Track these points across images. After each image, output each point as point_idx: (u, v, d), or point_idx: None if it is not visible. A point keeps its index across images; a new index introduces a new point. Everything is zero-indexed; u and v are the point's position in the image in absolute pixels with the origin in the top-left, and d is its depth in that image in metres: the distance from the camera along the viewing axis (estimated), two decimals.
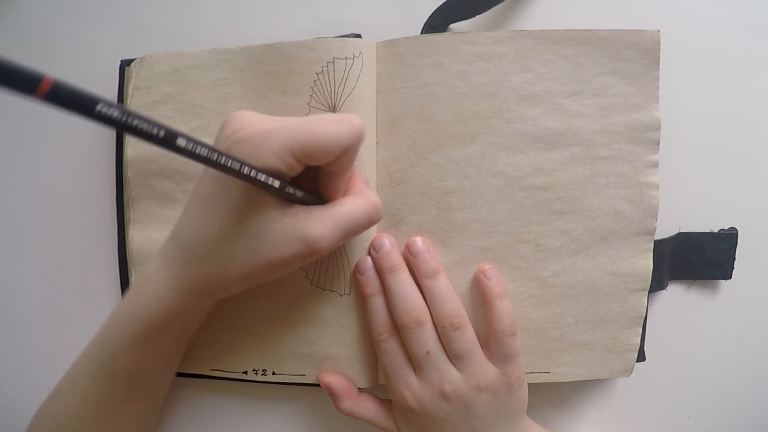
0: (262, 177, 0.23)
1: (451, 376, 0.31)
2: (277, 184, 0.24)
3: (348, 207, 0.27)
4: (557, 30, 0.32)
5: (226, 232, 0.26)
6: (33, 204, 0.39)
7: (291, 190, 0.25)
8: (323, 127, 0.24)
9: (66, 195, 0.39)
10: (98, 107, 0.16)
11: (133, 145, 0.35)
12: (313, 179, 0.28)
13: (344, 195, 0.29)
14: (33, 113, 0.39)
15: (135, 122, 0.17)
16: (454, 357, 0.31)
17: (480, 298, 0.33)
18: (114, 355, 0.30)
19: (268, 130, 0.24)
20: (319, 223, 0.26)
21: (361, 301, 0.33)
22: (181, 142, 0.19)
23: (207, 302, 0.29)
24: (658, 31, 0.32)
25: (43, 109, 0.38)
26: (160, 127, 0.18)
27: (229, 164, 0.21)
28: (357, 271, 0.33)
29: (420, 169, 0.33)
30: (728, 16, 0.35)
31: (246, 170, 0.22)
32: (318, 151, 0.24)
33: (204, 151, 0.20)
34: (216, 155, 0.21)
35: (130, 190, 0.36)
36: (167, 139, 0.18)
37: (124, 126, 0.17)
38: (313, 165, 0.26)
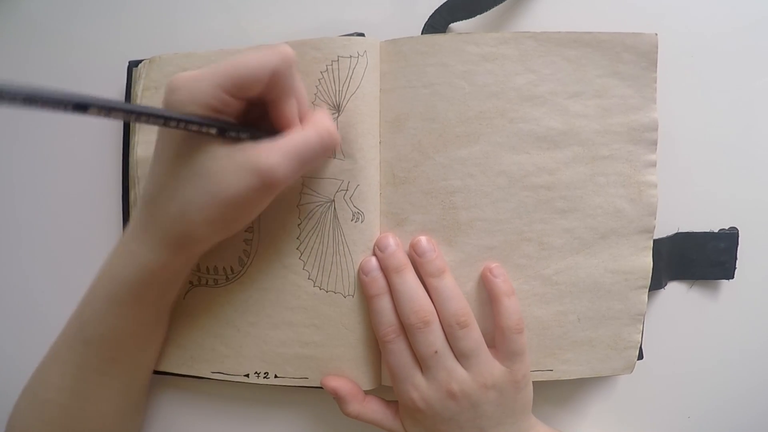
0: (196, 126, 0.25)
1: (459, 376, 0.31)
2: (214, 131, 0.25)
3: (298, 134, 0.27)
4: (559, 32, 0.32)
5: (179, 176, 0.27)
6: (39, 204, 0.39)
7: (233, 133, 0.26)
8: (246, 57, 0.25)
9: (72, 194, 0.39)
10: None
11: (143, 145, 0.35)
12: (266, 120, 0.28)
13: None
14: (37, 113, 0.38)
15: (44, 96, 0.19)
16: (461, 356, 0.31)
17: (485, 296, 0.33)
18: (91, 319, 0.30)
19: (196, 74, 0.26)
20: (270, 153, 0.26)
21: (366, 301, 0.33)
22: (92, 110, 0.20)
23: (179, 257, 0.29)
24: (656, 34, 0.32)
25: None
26: (70, 96, 0.20)
27: (157, 115, 0.23)
28: (361, 271, 0.32)
29: (424, 169, 0.33)
30: (728, 17, 0.36)
31: (181, 124, 0.24)
32: (245, 79, 0.25)
33: (125, 107, 0.22)
34: (144, 112, 0.22)
35: (138, 190, 0.35)
36: (80, 106, 0.20)
37: (35, 103, 0.18)
38: (248, 96, 0.26)
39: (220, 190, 0.26)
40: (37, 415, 0.32)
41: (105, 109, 0.21)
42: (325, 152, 0.28)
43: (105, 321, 0.30)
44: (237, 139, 0.26)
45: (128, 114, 0.23)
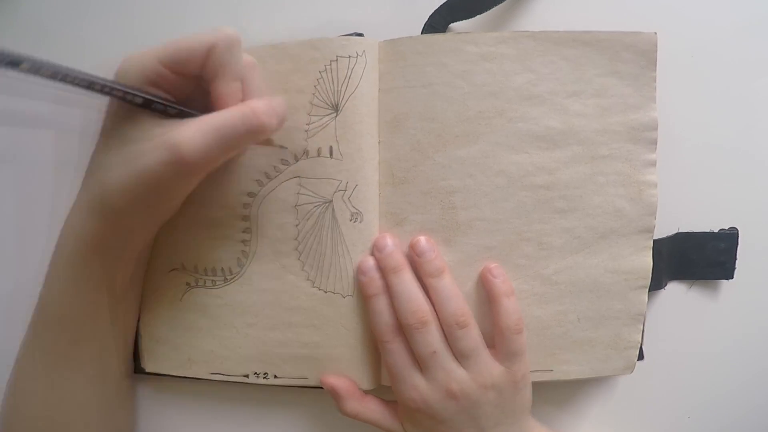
0: (119, 93, 0.26)
1: (458, 376, 0.31)
2: (140, 100, 0.26)
3: (220, 114, 0.26)
4: (558, 31, 0.32)
5: (108, 145, 0.28)
6: (35, 204, 0.39)
7: (159, 107, 0.27)
8: (188, 36, 0.26)
9: (65, 195, 0.38)
10: None
11: None
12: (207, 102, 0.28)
13: None
14: (34, 112, 0.38)
15: None
16: (460, 356, 0.31)
17: (484, 296, 0.33)
18: (48, 301, 0.31)
19: (145, 49, 0.27)
20: (187, 129, 0.25)
21: (364, 302, 0.33)
22: (23, 67, 0.21)
23: (107, 226, 0.29)
24: (655, 33, 0.32)
25: (45, 108, 0.38)
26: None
27: (82, 78, 0.24)
28: (359, 272, 0.32)
29: (423, 168, 0.33)
30: (728, 17, 0.36)
31: (105, 89, 0.25)
32: (182, 54, 0.26)
33: (55, 67, 0.23)
34: (70, 73, 0.23)
35: None
36: (13, 63, 0.21)
37: None
38: (186, 72, 0.27)
39: (135, 161, 0.26)
40: (21, 410, 0.32)
41: (35, 66, 0.22)
42: (249, 131, 0.26)
43: (60, 301, 0.30)
44: (165, 114, 0.27)
45: (56, 74, 0.23)
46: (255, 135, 0.26)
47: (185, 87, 0.28)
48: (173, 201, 0.30)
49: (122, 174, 0.27)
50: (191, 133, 0.25)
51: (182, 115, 0.28)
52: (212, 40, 0.26)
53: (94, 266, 0.30)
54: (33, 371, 0.32)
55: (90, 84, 0.25)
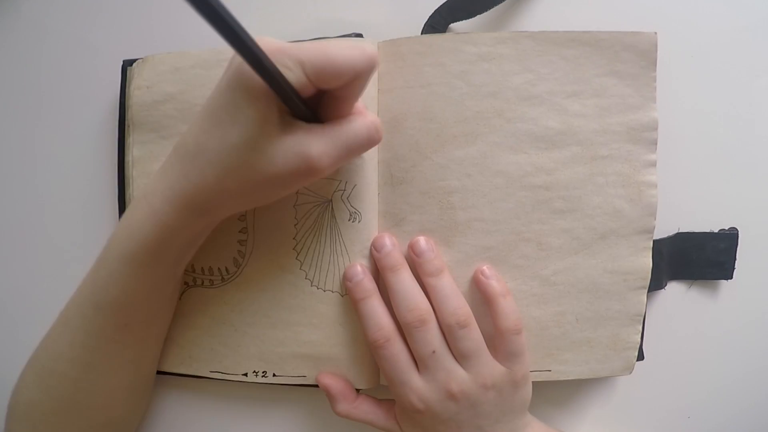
0: (278, 75, 0.23)
1: (458, 376, 0.31)
2: (291, 87, 0.24)
3: (348, 126, 0.27)
4: (557, 31, 0.32)
5: (227, 143, 0.25)
6: (34, 204, 0.39)
7: (301, 103, 0.25)
8: (336, 50, 0.24)
9: (67, 194, 0.39)
10: None
11: (138, 145, 0.35)
12: (316, 103, 0.28)
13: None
14: (34, 111, 0.39)
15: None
16: (461, 356, 0.31)
17: (482, 297, 0.33)
18: (106, 281, 0.29)
19: (284, 45, 0.24)
20: (320, 141, 0.26)
21: (354, 307, 0.33)
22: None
23: (202, 220, 0.29)
24: (655, 33, 0.32)
25: (45, 107, 0.38)
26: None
27: (255, 50, 0.21)
28: (345, 278, 0.33)
29: (422, 169, 0.33)
30: (728, 16, 0.36)
31: (266, 63, 0.22)
32: (329, 73, 0.24)
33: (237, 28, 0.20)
34: (248, 38, 0.20)
35: (134, 190, 0.35)
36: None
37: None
38: (323, 87, 0.25)
39: (264, 167, 0.25)
40: (44, 389, 0.32)
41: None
42: (370, 146, 0.28)
43: (119, 283, 0.29)
44: (297, 111, 0.26)
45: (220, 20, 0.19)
46: (372, 146, 0.28)
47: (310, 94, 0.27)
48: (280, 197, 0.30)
49: (247, 179, 0.26)
50: (326, 147, 0.26)
51: (308, 116, 0.26)
52: (362, 66, 0.25)
53: (170, 253, 0.29)
54: (70, 353, 0.31)
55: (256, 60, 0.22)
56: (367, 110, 0.28)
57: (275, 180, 0.26)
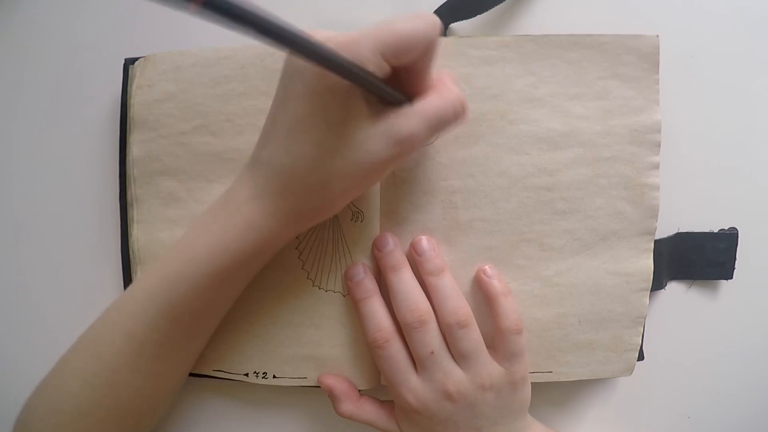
0: (360, 70, 0.23)
1: (456, 377, 0.31)
2: (373, 77, 0.24)
3: (434, 103, 0.26)
4: (560, 35, 0.32)
5: (325, 146, 0.25)
6: (35, 203, 0.39)
7: (387, 88, 0.25)
8: (404, 26, 0.24)
9: (68, 193, 0.39)
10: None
11: (140, 144, 0.35)
12: (394, 82, 0.27)
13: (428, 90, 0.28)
14: (35, 111, 0.38)
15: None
16: (459, 356, 0.31)
17: (483, 297, 0.33)
18: (188, 295, 0.29)
19: (353, 38, 0.24)
20: (409, 122, 0.26)
21: (354, 307, 0.33)
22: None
23: (304, 227, 0.29)
24: (657, 36, 0.32)
25: (46, 106, 0.38)
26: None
27: (330, 56, 0.21)
28: (346, 277, 0.33)
29: (424, 168, 0.33)
30: (728, 17, 0.36)
31: (343, 62, 0.22)
32: (404, 47, 0.24)
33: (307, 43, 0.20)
34: (319, 47, 0.20)
35: (135, 189, 0.35)
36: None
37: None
38: (400, 64, 0.25)
39: (364, 160, 0.26)
40: (100, 398, 0.30)
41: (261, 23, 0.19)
42: (456, 121, 0.27)
43: (204, 296, 0.29)
44: (383, 94, 0.26)
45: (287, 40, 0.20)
46: (457, 121, 0.27)
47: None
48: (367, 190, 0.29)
49: (349, 175, 0.26)
50: (417, 126, 0.26)
51: (394, 96, 0.26)
52: (432, 34, 0.25)
53: (260, 263, 0.30)
54: (135, 363, 0.30)
55: (337, 62, 0.22)
56: (452, 83, 0.28)
57: (374, 168, 0.26)
